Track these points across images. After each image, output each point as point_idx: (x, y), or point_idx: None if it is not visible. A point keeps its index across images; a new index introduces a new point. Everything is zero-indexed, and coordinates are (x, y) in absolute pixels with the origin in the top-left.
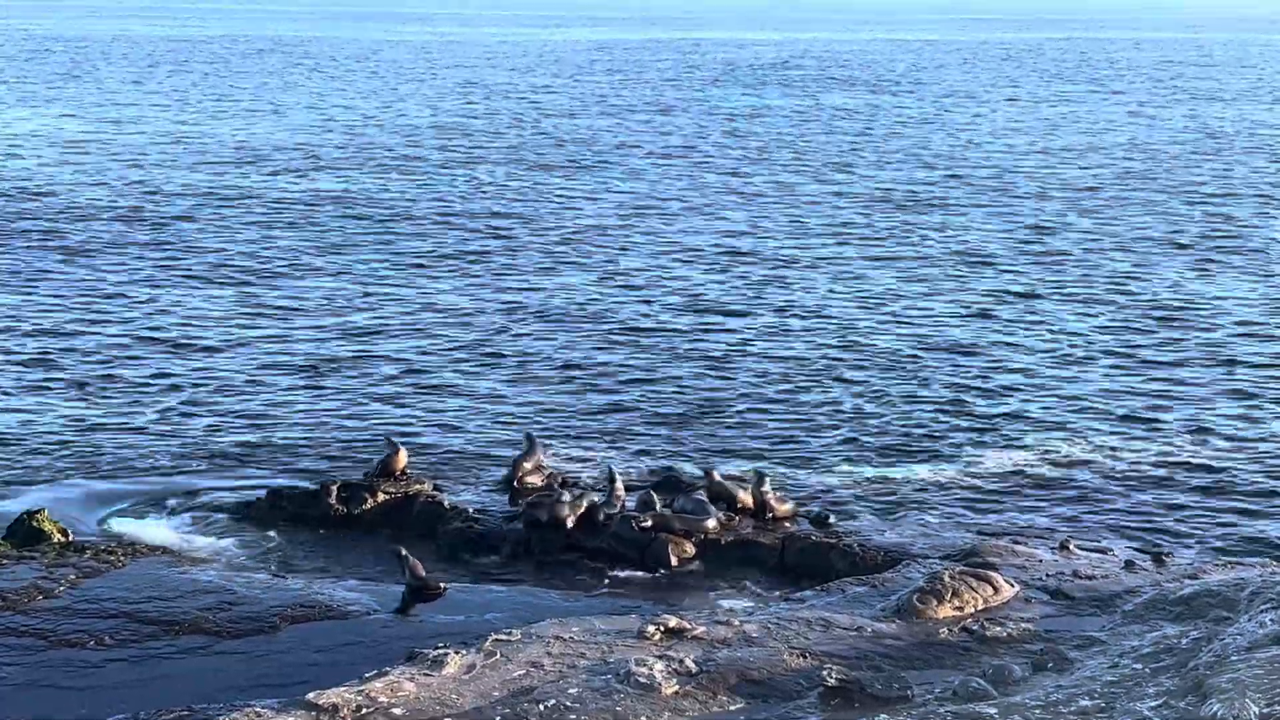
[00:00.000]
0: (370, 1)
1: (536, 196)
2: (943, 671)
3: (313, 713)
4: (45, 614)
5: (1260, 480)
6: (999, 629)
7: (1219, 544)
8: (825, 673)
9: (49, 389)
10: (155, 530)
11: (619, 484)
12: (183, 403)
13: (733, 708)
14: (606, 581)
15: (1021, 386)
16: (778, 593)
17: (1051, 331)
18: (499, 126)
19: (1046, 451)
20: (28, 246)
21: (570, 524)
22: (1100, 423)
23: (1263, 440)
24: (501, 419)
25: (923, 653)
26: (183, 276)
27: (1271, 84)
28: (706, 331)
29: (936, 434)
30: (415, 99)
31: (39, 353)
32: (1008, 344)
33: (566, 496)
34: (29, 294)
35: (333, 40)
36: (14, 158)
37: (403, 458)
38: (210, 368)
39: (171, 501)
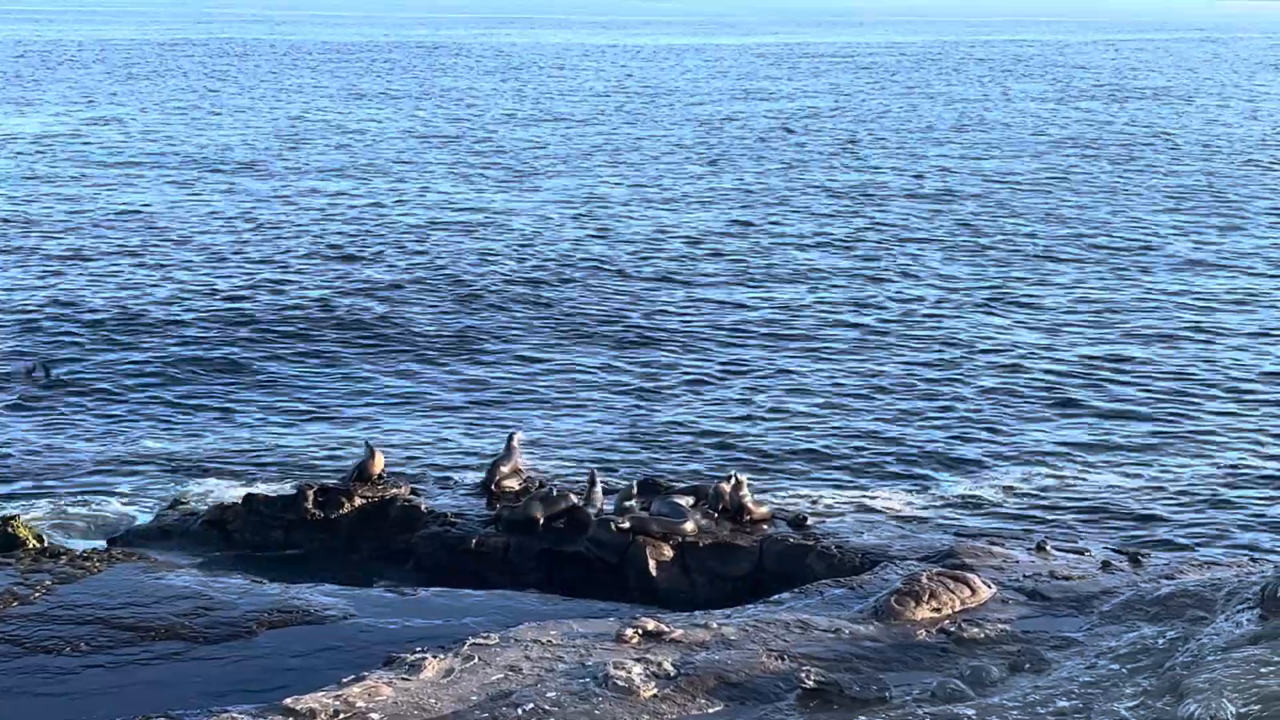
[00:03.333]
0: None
1: (522, 196)
2: (920, 673)
3: (289, 718)
4: (20, 620)
5: (1237, 481)
6: (976, 630)
7: (1195, 544)
8: (803, 675)
9: (14, 387)
10: (128, 535)
11: (599, 487)
12: (160, 406)
13: (711, 710)
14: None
15: (999, 389)
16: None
17: (1030, 335)
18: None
19: (1023, 452)
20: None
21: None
22: (1077, 424)
23: (1240, 442)
24: (478, 423)
25: (900, 654)
26: (159, 275)
27: None
28: (688, 337)
29: (915, 435)
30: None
31: (12, 351)
32: (987, 348)
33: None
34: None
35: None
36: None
37: (379, 461)
38: (189, 368)
39: (148, 506)
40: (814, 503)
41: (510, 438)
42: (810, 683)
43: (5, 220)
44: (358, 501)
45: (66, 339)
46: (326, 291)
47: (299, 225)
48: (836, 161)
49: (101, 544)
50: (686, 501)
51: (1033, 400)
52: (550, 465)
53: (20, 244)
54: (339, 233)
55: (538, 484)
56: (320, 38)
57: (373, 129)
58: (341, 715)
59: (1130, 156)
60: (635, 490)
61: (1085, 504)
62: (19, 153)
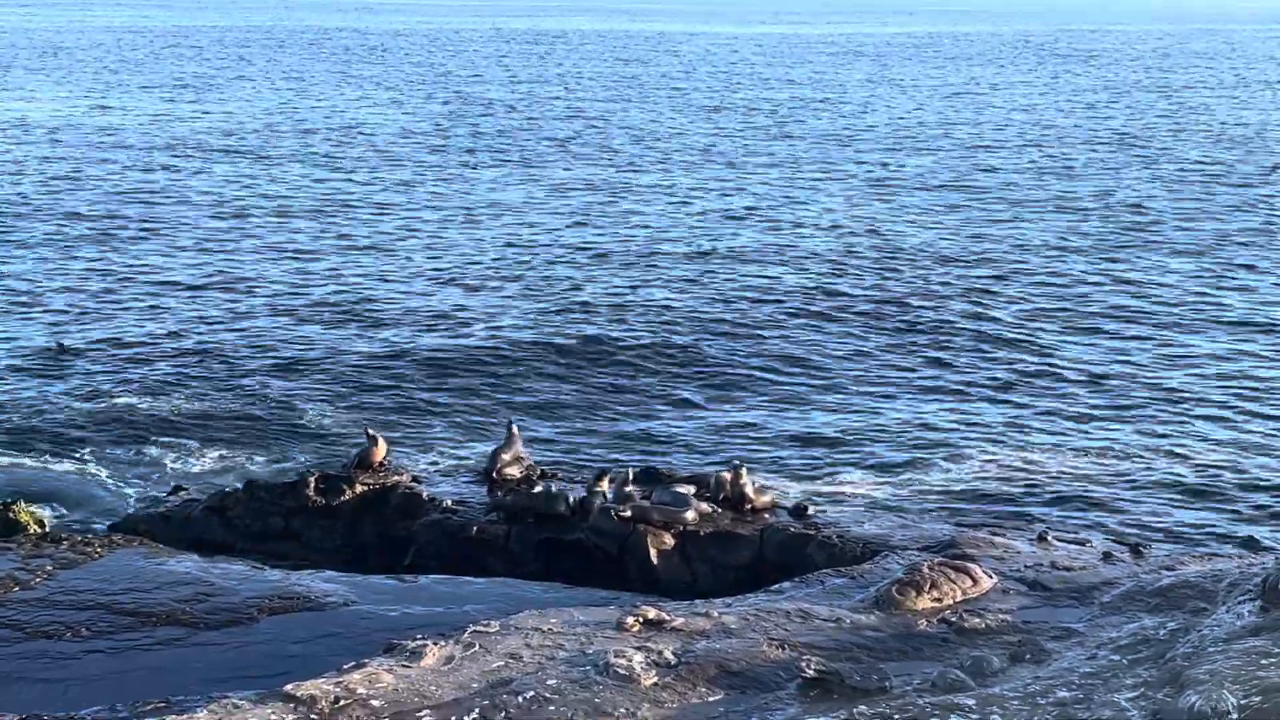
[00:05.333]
0: None
1: (509, 186)
2: (921, 663)
3: (290, 704)
4: (21, 605)
5: (1238, 473)
6: (977, 620)
7: (1196, 536)
8: (804, 664)
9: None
10: (130, 521)
11: (604, 483)
12: (160, 393)
13: (711, 699)
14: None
15: (1000, 381)
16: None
17: (1030, 329)
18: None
19: (1025, 444)
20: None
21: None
22: (1078, 416)
23: (1241, 435)
24: (480, 409)
25: (901, 644)
26: (157, 271)
27: None
28: (686, 330)
29: (916, 427)
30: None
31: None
32: (988, 341)
33: (546, 489)
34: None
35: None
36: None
37: (381, 449)
38: (187, 361)
39: (149, 493)
40: (813, 485)
41: (510, 426)
42: (811, 672)
43: (24, 204)
44: (359, 489)
45: (79, 315)
46: (325, 281)
47: (290, 218)
48: (846, 154)
49: (102, 528)
50: (688, 490)
51: (1035, 391)
52: (551, 455)
53: (35, 227)
54: (328, 223)
55: (539, 472)
56: (318, 25)
57: (368, 119)
58: (342, 702)
59: (1158, 146)
60: (630, 479)
61: (1087, 495)
62: (26, 139)
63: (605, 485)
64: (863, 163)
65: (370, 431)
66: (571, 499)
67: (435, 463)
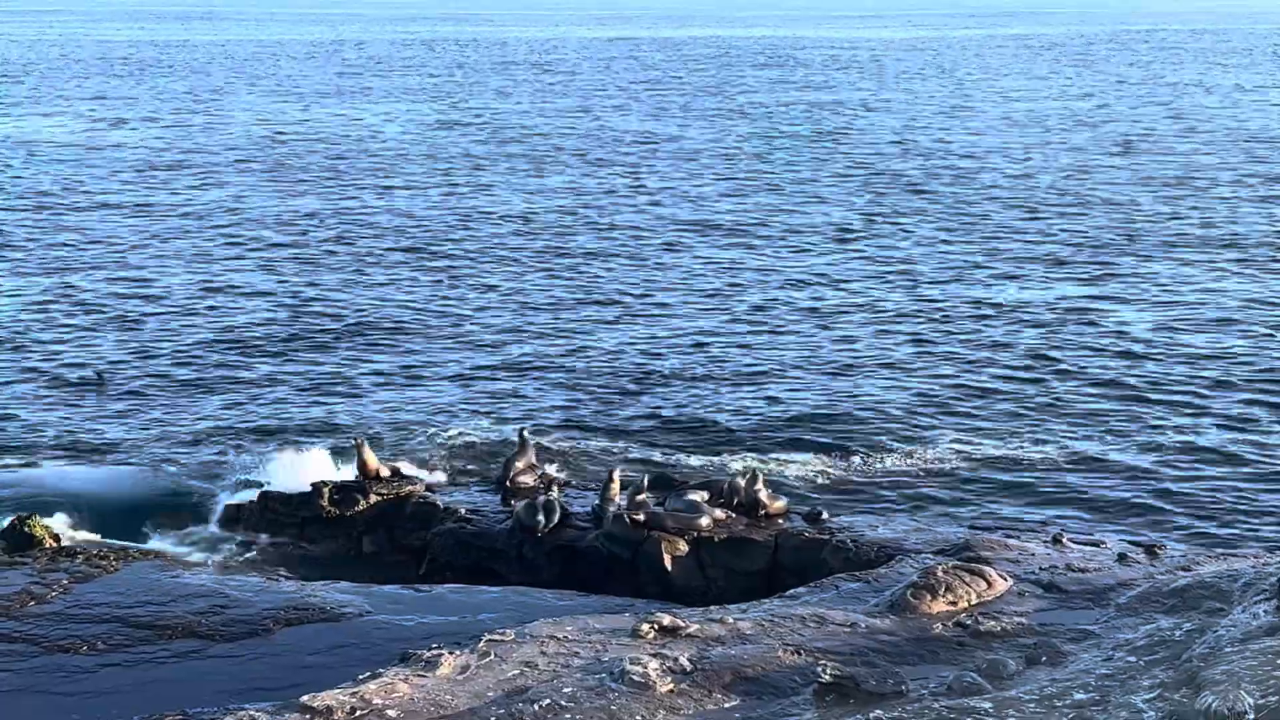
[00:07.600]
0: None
1: (517, 192)
2: (937, 666)
3: (307, 715)
4: (38, 619)
5: (1252, 473)
6: (993, 623)
7: (1212, 536)
8: (820, 669)
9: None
10: (146, 534)
11: (616, 484)
12: (173, 403)
13: (727, 705)
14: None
15: (1013, 382)
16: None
17: (1043, 329)
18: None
19: (1039, 446)
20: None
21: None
22: (1091, 418)
23: (1254, 434)
24: (493, 418)
25: (917, 647)
26: (162, 285)
27: None
28: (697, 331)
29: (928, 430)
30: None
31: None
32: (999, 341)
33: (525, 503)
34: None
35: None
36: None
37: (369, 454)
38: (195, 369)
39: (163, 505)
40: (822, 489)
41: (522, 434)
42: (827, 676)
43: (44, 220)
44: (373, 499)
45: (59, 341)
46: (339, 289)
47: (300, 228)
48: (852, 150)
49: (118, 543)
50: (701, 497)
51: (1050, 392)
52: (562, 458)
53: (51, 241)
54: (346, 235)
55: (551, 480)
56: (308, 37)
57: (373, 128)
58: (358, 712)
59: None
60: (644, 486)
61: (1102, 496)
62: (41, 156)
63: (617, 485)
64: (865, 164)
65: (356, 440)
66: (547, 510)
67: (449, 471)
